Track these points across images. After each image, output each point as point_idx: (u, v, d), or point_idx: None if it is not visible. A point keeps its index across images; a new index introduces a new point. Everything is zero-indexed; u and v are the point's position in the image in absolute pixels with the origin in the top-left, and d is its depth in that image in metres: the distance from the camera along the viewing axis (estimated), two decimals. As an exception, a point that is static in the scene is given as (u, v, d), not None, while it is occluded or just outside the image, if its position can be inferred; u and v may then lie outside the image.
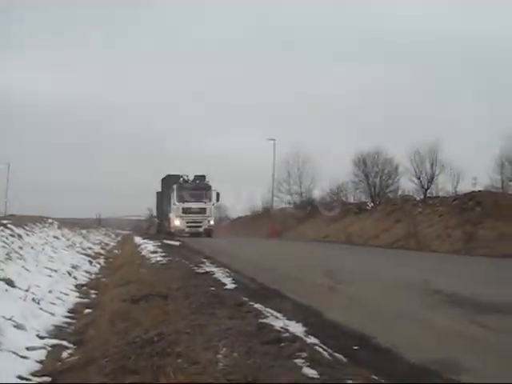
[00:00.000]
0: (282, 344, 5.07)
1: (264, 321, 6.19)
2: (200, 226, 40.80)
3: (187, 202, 40.75)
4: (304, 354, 4.69)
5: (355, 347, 5.16)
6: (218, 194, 41.88)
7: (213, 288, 9.10)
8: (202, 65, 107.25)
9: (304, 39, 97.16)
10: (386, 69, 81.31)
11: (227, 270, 12.35)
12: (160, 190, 48.86)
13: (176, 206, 40.89)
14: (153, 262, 15.01)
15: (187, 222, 40.59)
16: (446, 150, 36.36)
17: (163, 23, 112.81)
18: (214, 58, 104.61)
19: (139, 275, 11.98)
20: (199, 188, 41.71)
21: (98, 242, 31.55)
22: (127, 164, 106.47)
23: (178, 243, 25.36)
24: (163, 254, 17.60)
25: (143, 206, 70.23)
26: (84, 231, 33.85)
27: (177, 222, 40.78)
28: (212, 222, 41.86)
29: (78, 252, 20.14)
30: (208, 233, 40.48)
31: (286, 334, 5.45)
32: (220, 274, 11.52)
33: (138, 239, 31.80)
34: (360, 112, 75.99)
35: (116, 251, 25.84)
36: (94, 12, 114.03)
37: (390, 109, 71.59)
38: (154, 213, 57.04)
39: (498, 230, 22.81)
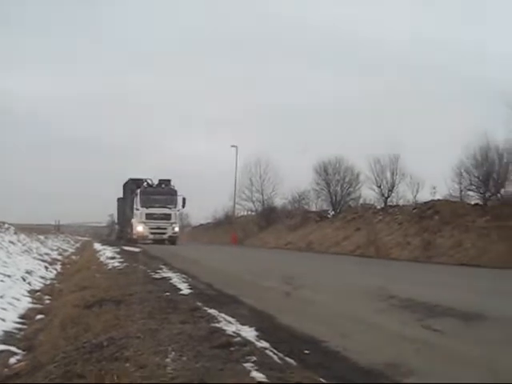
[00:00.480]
0: (232, 348, 5.02)
1: (216, 325, 6.14)
2: (164, 233, 38.96)
3: (151, 207, 38.92)
4: (254, 358, 4.65)
5: (306, 351, 5.13)
6: (184, 200, 40.01)
7: (168, 293, 9.01)
8: (165, 72, 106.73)
9: (265, 49, 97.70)
10: (348, 78, 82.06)
11: (184, 275, 12.26)
12: (122, 195, 47.14)
13: (139, 211, 38.92)
14: (110, 267, 14.87)
15: (151, 229, 38.71)
16: (406, 159, 36.78)
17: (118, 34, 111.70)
18: (175, 66, 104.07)
19: (95, 281, 11.87)
20: (164, 193, 40.00)
21: (55, 248, 31.06)
22: (89, 170, 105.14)
23: (137, 249, 25.14)
24: (121, 259, 17.45)
25: (104, 212, 69.67)
26: (42, 237, 33.29)
27: (139, 228, 38.79)
28: (177, 229, 40.09)
29: (34, 258, 19.79)
30: (172, 240, 38.65)
31: (238, 339, 5.40)
32: (177, 279, 11.42)
33: (97, 245, 31.51)
34: (322, 120, 76.60)
35: (74, 257, 25.48)
36: (65, 10, 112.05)
37: (352, 117, 72.51)
38: (115, 219, 56.35)
39: (456, 238, 23.24)
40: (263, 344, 5.26)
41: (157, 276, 12.11)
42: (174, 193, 40.07)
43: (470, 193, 28.79)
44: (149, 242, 37.74)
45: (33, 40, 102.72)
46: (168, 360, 4.66)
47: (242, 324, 6.26)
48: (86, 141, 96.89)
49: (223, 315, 6.86)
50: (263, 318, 6.99)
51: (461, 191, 29.10)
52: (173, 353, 4.87)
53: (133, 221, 39.87)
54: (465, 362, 4.94)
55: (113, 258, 18.51)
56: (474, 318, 7.28)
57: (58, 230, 66.58)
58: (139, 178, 41.52)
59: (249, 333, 5.76)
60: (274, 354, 4.89)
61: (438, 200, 28.92)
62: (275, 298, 9.13)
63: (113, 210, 56.57)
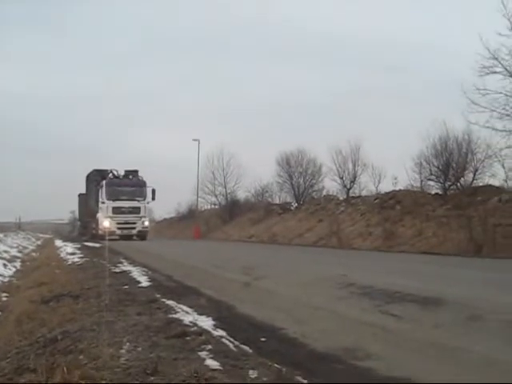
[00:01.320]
0: (188, 338, 4.98)
1: (173, 316, 6.09)
2: (133, 228, 36.16)
3: (118, 200, 35.97)
4: (209, 347, 4.63)
5: (263, 339, 5.11)
6: (153, 191, 37.25)
7: (126, 286, 8.94)
8: (131, 65, 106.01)
9: (230, 42, 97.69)
10: (310, 70, 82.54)
11: (145, 269, 12.16)
12: (84, 189, 44.25)
13: (105, 204, 35.83)
14: (69, 263, 14.72)
15: (118, 224, 35.68)
16: (368, 149, 37.06)
17: (88, 24, 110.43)
18: (142, 59, 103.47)
19: (54, 276, 11.73)
20: (132, 184, 37.15)
21: (15, 245, 30.45)
22: (51, 166, 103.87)
23: (98, 245, 24.86)
24: (81, 255, 17.29)
25: (67, 209, 68.91)
26: (1, 235, 32.65)
27: (106, 224, 35.25)
28: (147, 223, 37.46)
29: (-9, 256, 19.43)
30: (142, 235, 36.29)
31: (194, 328, 5.36)
32: (137, 272, 11.32)
33: (58, 242, 31.13)
34: (284, 113, 76.98)
35: (34, 254, 25.09)
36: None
37: (314, 109, 72.93)
38: (77, 215, 55.36)
39: (417, 227, 23.46)
40: (220, 333, 5.23)
41: (117, 270, 12.01)
42: (142, 184, 37.38)
43: (431, 182, 29.16)
44: (116, 238, 34.72)
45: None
46: (122, 351, 4.60)
47: (200, 314, 6.23)
48: (48, 140, 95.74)
49: (181, 306, 6.82)
50: (222, 308, 6.94)
51: (421, 181, 29.43)
52: (127, 344, 4.81)
53: (98, 215, 36.93)
54: (421, 346, 4.94)
55: (73, 253, 18.34)
56: (433, 303, 7.31)
57: (18, 227, 65.32)
58: (104, 169, 38.69)
59: (206, 322, 5.72)
60: (230, 342, 4.87)
61: (400, 190, 29.20)
62: (235, 288, 9.07)
63: (74, 206, 55.62)
